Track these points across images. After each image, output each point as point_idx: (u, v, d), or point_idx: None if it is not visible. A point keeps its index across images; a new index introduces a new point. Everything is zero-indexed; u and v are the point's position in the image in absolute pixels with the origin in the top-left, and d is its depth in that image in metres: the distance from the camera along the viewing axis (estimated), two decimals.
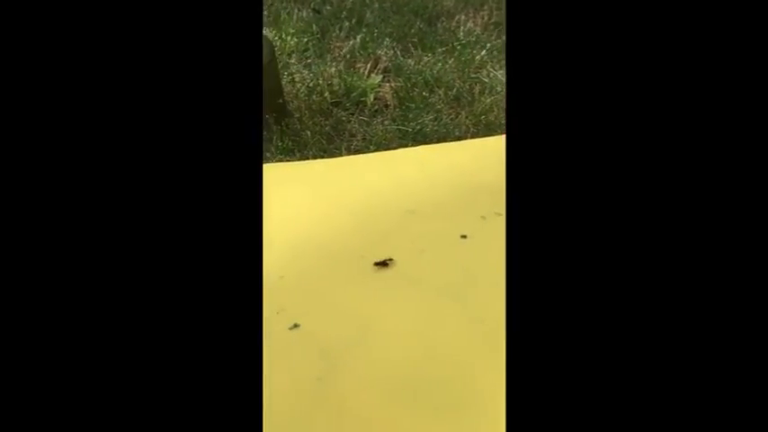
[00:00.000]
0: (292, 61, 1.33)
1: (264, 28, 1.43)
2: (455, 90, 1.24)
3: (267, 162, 1.03)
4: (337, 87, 1.24)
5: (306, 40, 1.39)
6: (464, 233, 0.78)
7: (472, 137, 1.11)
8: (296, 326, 0.67)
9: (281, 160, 1.04)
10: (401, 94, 1.23)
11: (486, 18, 1.50)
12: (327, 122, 1.16)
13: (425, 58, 1.33)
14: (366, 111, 1.20)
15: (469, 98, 1.22)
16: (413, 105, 1.19)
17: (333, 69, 1.30)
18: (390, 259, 0.73)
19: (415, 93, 1.23)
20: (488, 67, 1.31)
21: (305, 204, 0.85)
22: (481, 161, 0.90)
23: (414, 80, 1.26)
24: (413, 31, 1.43)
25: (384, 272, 0.74)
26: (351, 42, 1.38)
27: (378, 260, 0.72)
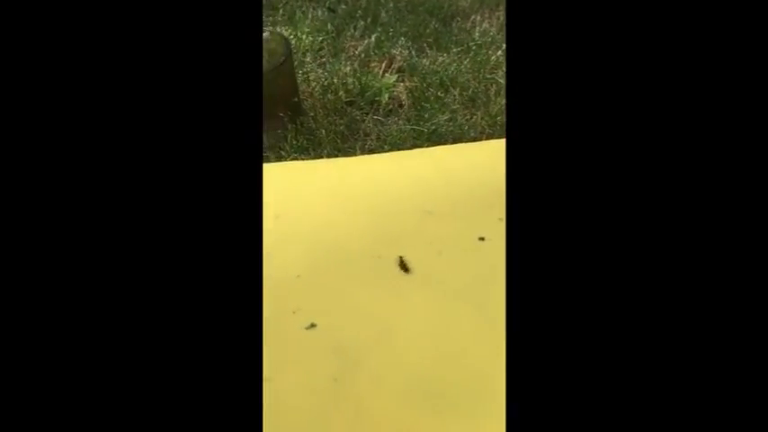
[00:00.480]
0: (307, 60, 1.33)
1: (280, 27, 1.43)
2: (470, 90, 1.23)
3: (282, 160, 1.03)
4: (352, 86, 1.24)
5: (321, 39, 1.39)
6: (482, 235, 0.78)
7: (487, 138, 1.10)
8: (313, 325, 0.67)
9: (295, 158, 1.04)
10: (416, 94, 1.23)
11: (501, 19, 1.49)
12: (342, 121, 1.16)
13: (440, 58, 1.33)
14: (380, 110, 1.20)
15: (485, 99, 1.21)
16: (428, 105, 1.19)
17: (347, 68, 1.29)
18: (402, 256, 0.73)
19: (429, 93, 1.22)
20: (503, 67, 1.30)
21: (321, 203, 0.85)
22: (498, 162, 0.89)
23: (429, 80, 1.26)
24: (428, 30, 1.42)
25: (401, 273, 0.73)
26: (366, 42, 1.38)
27: (399, 262, 0.72)
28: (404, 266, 0.73)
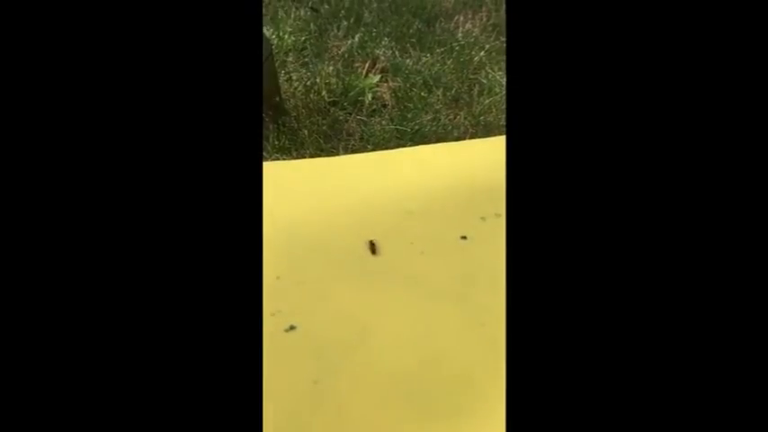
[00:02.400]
0: (290, 60, 1.32)
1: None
2: (454, 90, 1.23)
3: (264, 161, 1.02)
4: (335, 86, 1.23)
5: (303, 38, 1.38)
6: (464, 234, 0.77)
7: (471, 137, 1.10)
8: (292, 327, 0.66)
9: (277, 159, 1.03)
10: (399, 94, 1.23)
11: (484, 19, 1.49)
12: (325, 122, 1.15)
13: (424, 59, 1.33)
14: (364, 110, 1.19)
15: (468, 99, 1.21)
16: (411, 105, 1.18)
17: (330, 68, 1.29)
18: (374, 240, 0.72)
19: (413, 93, 1.22)
20: (487, 68, 1.30)
21: (302, 204, 0.84)
22: (481, 162, 0.89)
23: (412, 80, 1.26)
24: (411, 31, 1.42)
25: (382, 273, 0.72)
26: (349, 42, 1.37)
27: (369, 246, 0.71)
28: (373, 249, 0.72)
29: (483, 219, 0.77)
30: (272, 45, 1.13)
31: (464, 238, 0.77)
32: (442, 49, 1.36)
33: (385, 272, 0.72)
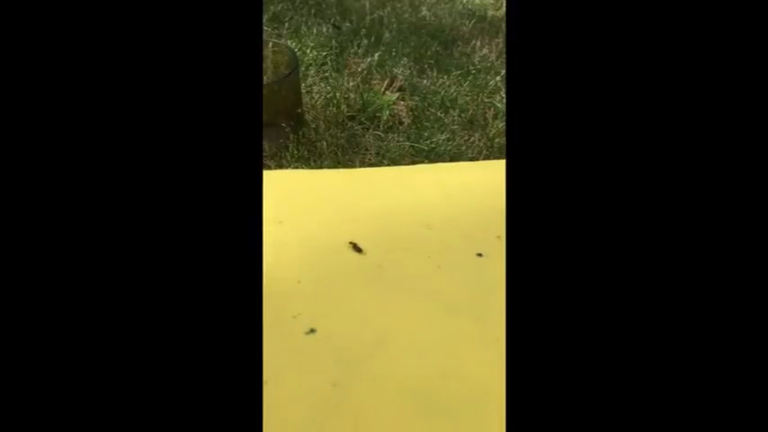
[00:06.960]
0: (311, 73, 1.35)
1: (285, 40, 1.45)
2: (469, 112, 1.26)
3: (283, 168, 1.04)
4: (353, 102, 1.26)
5: (325, 54, 1.41)
6: (480, 251, 0.79)
7: (484, 159, 1.13)
8: (312, 331, 0.68)
9: (296, 168, 1.05)
10: (416, 113, 1.26)
11: (500, 46, 1.53)
12: (342, 135, 1.18)
13: (441, 80, 1.36)
14: (381, 126, 1.22)
15: (483, 122, 1.25)
16: (428, 124, 1.21)
17: (350, 84, 1.32)
18: (354, 242, 0.74)
19: (429, 112, 1.25)
20: (501, 92, 1.34)
21: (323, 211, 0.86)
22: (496, 182, 0.92)
23: (429, 100, 1.29)
24: (429, 53, 1.46)
25: (400, 284, 0.74)
26: (368, 60, 1.41)
27: (353, 246, 0.73)
28: (357, 248, 0.74)
29: (499, 238, 0.80)
30: (297, 58, 1.16)
31: (480, 255, 0.79)
32: (459, 72, 1.39)
33: (403, 283, 0.74)
